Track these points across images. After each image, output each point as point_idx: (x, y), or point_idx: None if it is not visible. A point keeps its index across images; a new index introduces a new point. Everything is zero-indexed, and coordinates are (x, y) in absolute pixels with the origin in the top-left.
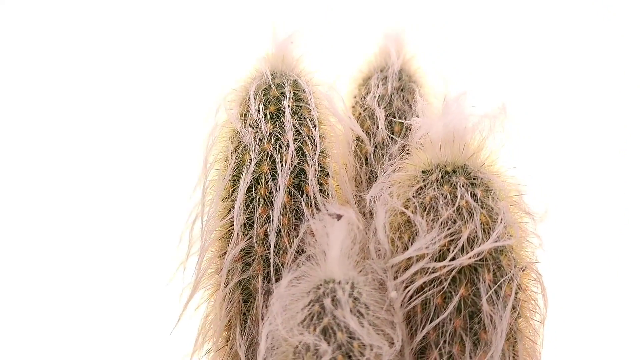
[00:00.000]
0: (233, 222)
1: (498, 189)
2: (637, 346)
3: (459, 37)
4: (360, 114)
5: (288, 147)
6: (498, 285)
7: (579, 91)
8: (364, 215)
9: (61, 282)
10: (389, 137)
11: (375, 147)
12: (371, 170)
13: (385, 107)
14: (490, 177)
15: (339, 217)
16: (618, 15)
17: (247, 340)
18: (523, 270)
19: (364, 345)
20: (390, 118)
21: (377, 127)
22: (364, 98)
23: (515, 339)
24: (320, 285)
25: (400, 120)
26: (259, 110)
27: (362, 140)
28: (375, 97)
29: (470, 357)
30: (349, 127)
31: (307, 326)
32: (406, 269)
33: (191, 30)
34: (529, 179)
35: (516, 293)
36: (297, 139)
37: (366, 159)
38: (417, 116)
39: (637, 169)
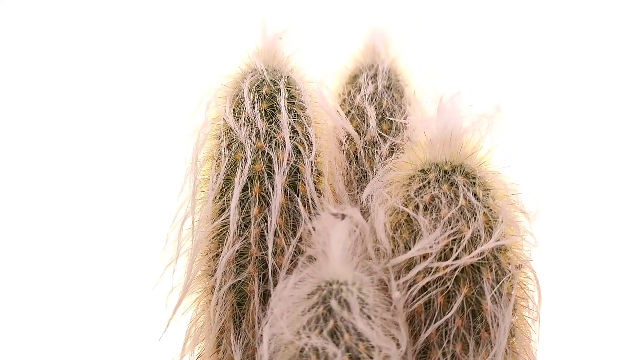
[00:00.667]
0: (225, 222)
1: (496, 188)
2: (635, 345)
3: (458, 37)
4: (349, 111)
5: (284, 146)
6: (500, 284)
7: (580, 91)
8: None
9: (46, 284)
10: (380, 136)
11: (365, 145)
12: (361, 169)
13: (376, 106)
14: (488, 176)
15: (343, 216)
16: (618, 15)
17: (242, 344)
18: (519, 268)
19: (372, 347)
20: (383, 116)
21: (368, 125)
22: (354, 96)
23: (513, 335)
24: (324, 286)
25: (393, 119)
26: (253, 107)
27: (352, 139)
28: (366, 95)
29: (473, 355)
30: (340, 125)
31: (312, 328)
32: (408, 268)
33: (178, 25)
34: (527, 178)
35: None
36: (292, 137)
37: (356, 158)
38: (406, 116)
39: (637, 169)
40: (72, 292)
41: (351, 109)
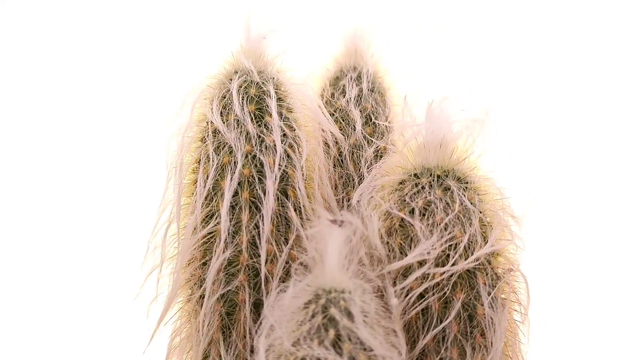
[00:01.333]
0: (212, 230)
1: (488, 193)
2: (631, 347)
3: (458, 37)
4: (332, 114)
5: (275, 149)
6: (496, 288)
7: (580, 91)
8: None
9: (24, 290)
10: (368, 139)
11: (350, 149)
12: (346, 173)
13: (360, 109)
14: (480, 181)
15: (341, 222)
16: (618, 15)
17: (233, 356)
18: (511, 272)
19: (376, 355)
20: (367, 119)
21: (352, 128)
22: (337, 99)
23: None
24: (322, 294)
25: (379, 122)
26: (242, 109)
27: (336, 142)
28: (351, 98)
29: (472, 358)
30: (328, 129)
31: (313, 338)
32: (404, 275)
33: (158, 25)
34: (525, 179)
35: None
36: (282, 141)
37: (340, 162)
38: (389, 119)
39: (637, 169)
40: (50, 302)
41: (334, 111)
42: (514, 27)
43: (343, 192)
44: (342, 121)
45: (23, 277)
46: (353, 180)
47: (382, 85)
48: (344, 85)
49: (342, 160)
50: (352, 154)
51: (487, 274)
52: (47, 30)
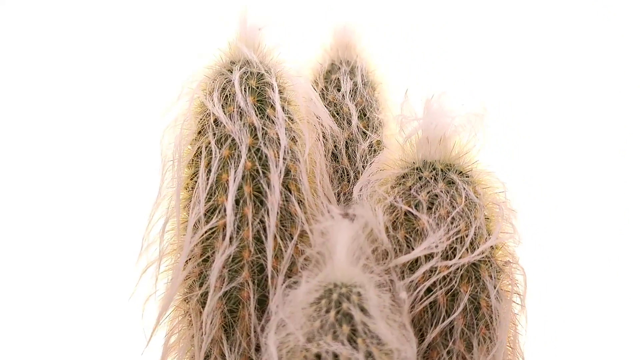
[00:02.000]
0: (213, 225)
1: (489, 186)
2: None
3: (458, 37)
4: (325, 107)
5: (279, 142)
6: (501, 280)
7: (580, 91)
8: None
9: (18, 289)
10: (363, 132)
11: (345, 142)
12: (342, 167)
13: (356, 103)
14: (480, 174)
15: (353, 216)
16: (618, 15)
17: (237, 354)
18: (509, 264)
19: (391, 349)
20: (361, 113)
21: (347, 122)
22: (331, 92)
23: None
24: (333, 289)
25: (377, 116)
26: (246, 101)
27: (332, 136)
28: (346, 92)
29: (478, 352)
30: (327, 122)
31: (326, 333)
32: (410, 269)
33: (152, 17)
34: (526, 178)
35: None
36: (285, 134)
37: (334, 155)
38: (382, 113)
39: (637, 169)
40: (44, 302)
41: (327, 105)
42: (513, 27)
43: (338, 187)
44: (336, 115)
45: (16, 276)
46: (348, 174)
47: (374, 80)
48: (337, 79)
49: (336, 155)
50: (347, 147)
51: (491, 266)
52: (42, 25)
